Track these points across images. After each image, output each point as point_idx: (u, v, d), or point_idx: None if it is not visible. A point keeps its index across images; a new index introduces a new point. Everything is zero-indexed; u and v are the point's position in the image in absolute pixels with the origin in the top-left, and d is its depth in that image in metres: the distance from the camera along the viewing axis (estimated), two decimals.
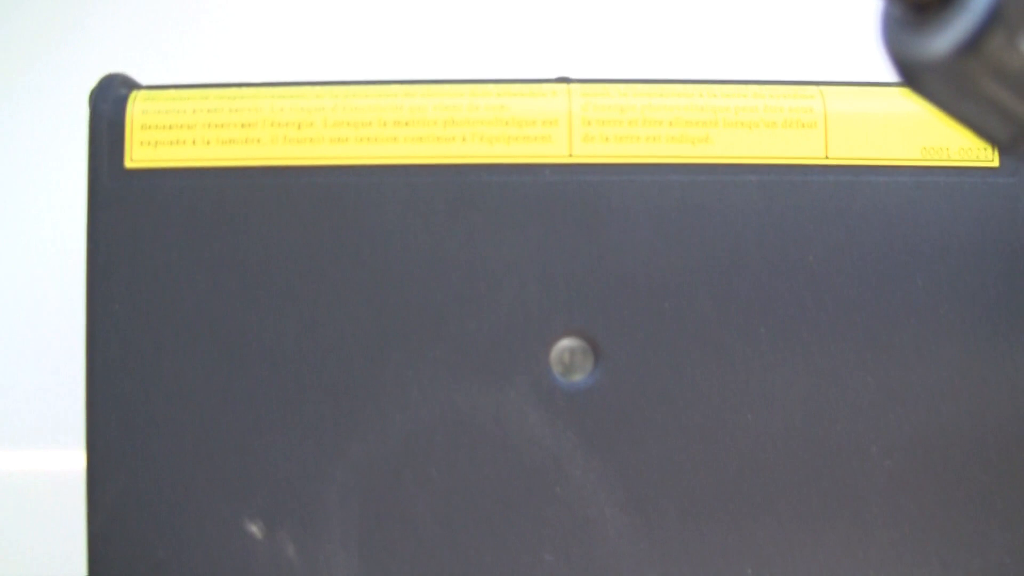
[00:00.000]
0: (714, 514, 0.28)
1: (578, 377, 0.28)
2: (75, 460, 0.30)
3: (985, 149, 0.29)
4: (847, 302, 0.29)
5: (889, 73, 0.19)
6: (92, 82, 0.29)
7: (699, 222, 0.28)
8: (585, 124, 0.28)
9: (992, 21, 0.18)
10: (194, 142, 0.28)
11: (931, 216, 0.29)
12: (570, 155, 0.28)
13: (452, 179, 0.28)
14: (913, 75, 0.19)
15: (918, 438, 0.29)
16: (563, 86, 0.29)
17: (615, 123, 0.28)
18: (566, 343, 0.28)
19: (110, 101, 0.28)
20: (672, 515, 0.28)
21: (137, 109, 0.28)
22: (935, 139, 0.29)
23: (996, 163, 0.29)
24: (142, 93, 0.29)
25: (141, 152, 0.28)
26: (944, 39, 0.18)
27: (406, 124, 0.28)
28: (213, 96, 0.28)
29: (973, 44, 0.18)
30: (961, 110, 0.20)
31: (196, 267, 0.28)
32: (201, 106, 0.28)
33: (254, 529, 0.28)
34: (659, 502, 0.28)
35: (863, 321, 0.29)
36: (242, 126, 0.28)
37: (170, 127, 0.28)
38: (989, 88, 0.19)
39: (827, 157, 0.29)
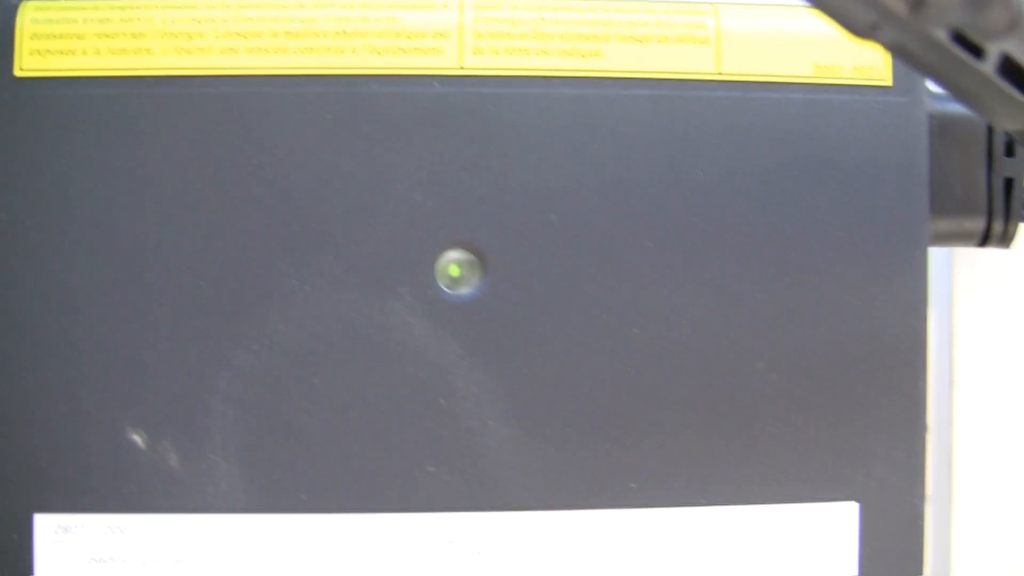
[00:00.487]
0: (598, 427, 0.29)
1: (464, 289, 0.28)
2: None
3: (878, 68, 0.29)
4: (736, 218, 0.29)
5: None
6: None
7: (589, 135, 0.28)
8: (476, 36, 0.29)
9: None
10: (85, 51, 0.28)
11: (822, 134, 0.29)
12: (460, 67, 0.28)
13: (341, 89, 0.28)
14: None
15: (806, 354, 0.29)
16: (454, 0, 0.29)
17: (506, 36, 0.29)
18: (452, 255, 0.28)
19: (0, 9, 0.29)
20: (556, 428, 0.28)
21: (27, 18, 0.28)
22: (828, 57, 0.29)
23: (889, 82, 0.29)
24: (32, 3, 0.29)
25: (31, 61, 0.28)
26: None
27: (297, 35, 0.28)
28: (104, 6, 0.29)
29: None
30: None
31: (85, 175, 0.28)
32: (92, 16, 0.28)
33: (137, 438, 0.28)
34: (543, 415, 0.28)
35: (752, 237, 0.29)
36: (133, 36, 0.28)
37: (61, 36, 0.28)
38: None
39: (719, 73, 0.29)
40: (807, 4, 0.20)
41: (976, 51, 0.20)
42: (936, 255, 0.34)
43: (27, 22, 0.28)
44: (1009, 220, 0.31)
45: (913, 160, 0.29)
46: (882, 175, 0.29)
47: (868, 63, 0.29)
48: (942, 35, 0.20)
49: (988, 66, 0.20)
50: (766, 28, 0.29)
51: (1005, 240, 0.31)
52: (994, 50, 0.20)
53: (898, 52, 0.20)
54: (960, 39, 0.20)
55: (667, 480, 0.29)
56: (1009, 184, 0.31)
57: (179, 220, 0.28)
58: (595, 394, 0.28)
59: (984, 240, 0.31)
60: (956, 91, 0.21)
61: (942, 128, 0.30)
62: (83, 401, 0.28)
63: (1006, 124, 0.22)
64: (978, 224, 0.31)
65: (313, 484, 0.28)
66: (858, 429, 0.29)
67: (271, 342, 0.28)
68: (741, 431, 0.29)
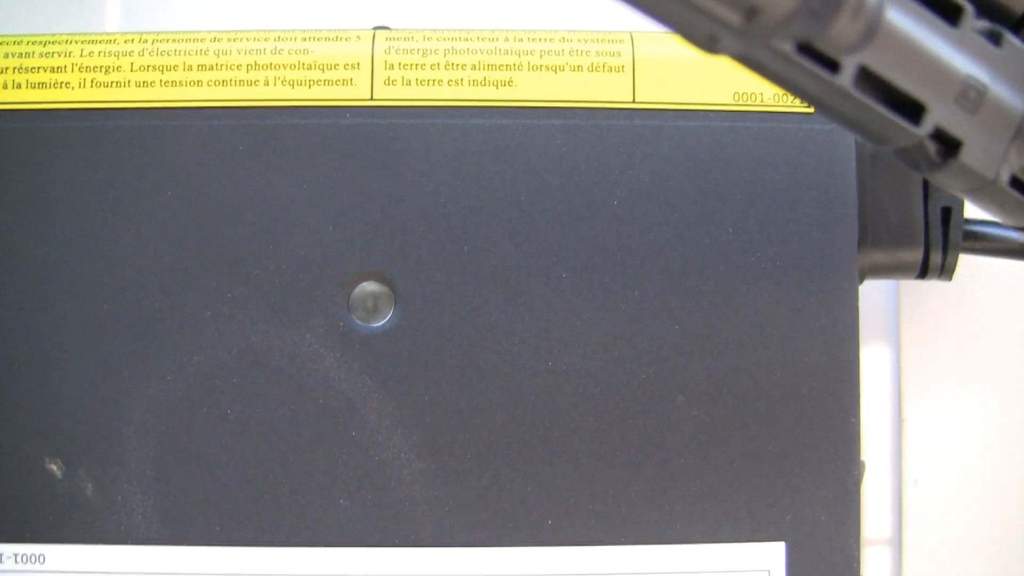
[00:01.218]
0: (514, 463, 0.28)
1: (376, 320, 0.28)
2: None
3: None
4: (653, 248, 0.28)
5: None
6: None
7: (501, 165, 0.28)
8: (387, 67, 0.29)
9: None
10: (5, 85, 0.29)
11: (742, 162, 0.29)
12: (371, 98, 0.29)
13: (253, 121, 0.29)
14: None
15: (726, 388, 0.28)
16: (368, 32, 0.29)
17: (417, 67, 0.29)
18: (366, 286, 0.28)
19: None
20: (470, 462, 0.28)
21: None
22: (748, 85, 0.29)
23: (812, 109, 0.29)
24: None
25: None
26: None
27: (210, 68, 0.29)
28: (26, 40, 0.29)
29: None
30: (652, 5, 0.20)
31: None
32: (13, 50, 0.29)
33: (54, 467, 0.28)
34: (457, 448, 0.28)
35: (670, 268, 0.28)
36: (52, 70, 0.29)
37: None
38: None
39: (634, 101, 0.29)
40: (652, 21, 0.20)
41: (831, 64, 0.20)
42: (881, 288, 0.33)
43: None
44: (947, 251, 0.30)
45: (841, 188, 0.29)
46: (808, 204, 0.29)
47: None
48: (787, 47, 0.19)
49: (845, 79, 0.20)
50: (684, 56, 0.29)
51: (945, 272, 0.30)
52: (850, 63, 0.20)
53: (748, 65, 0.20)
54: (810, 51, 0.20)
55: (585, 517, 0.28)
56: (947, 213, 0.30)
57: (92, 250, 0.28)
58: (510, 428, 0.28)
59: (923, 272, 0.30)
60: (816, 105, 0.21)
61: (874, 156, 0.29)
62: (0, 432, 0.28)
63: (879, 144, 0.22)
64: (916, 256, 0.30)
65: (226, 516, 0.28)
66: (785, 466, 0.28)
67: (184, 372, 0.28)
68: (662, 467, 0.28)
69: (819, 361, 0.29)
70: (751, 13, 0.19)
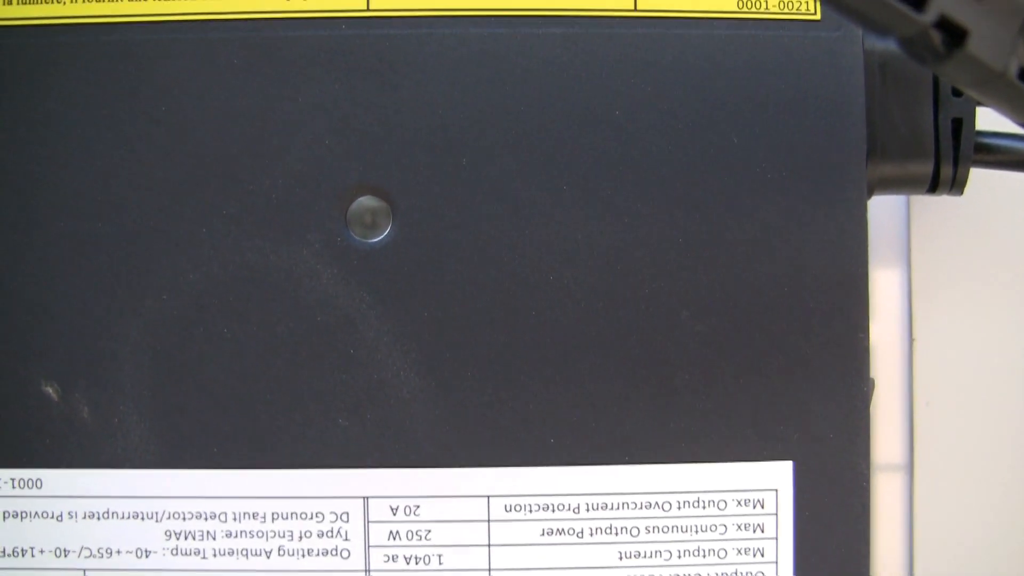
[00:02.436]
0: (514, 381, 0.28)
1: (373, 235, 0.28)
2: None
3: (805, 1, 0.28)
4: (656, 159, 0.28)
5: None
6: None
7: (500, 75, 0.28)
8: None
9: None
10: None
11: (746, 70, 0.28)
12: (367, 8, 0.29)
13: (247, 34, 0.28)
14: None
15: (732, 302, 0.28)
16: None
17: None
18: (363, 201, 0.28)
19: None
20: (470, 380, 0.28)
21: None
22: None
23: (817, 16, 0.29)
24: None
25: None
26: None
27: None
28: None
29: None
30: None
31: None
32: None
33: (50, 391, 0.28)
34: (456, 365, 0.28)
35: (673, 179, 0.28)
36: None
37: None
38: None
39: (636, 9, 0.29)
40: None
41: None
42: (891, 204, 0.33)
43: None
44: (959, 164, 0.30)
45: (848, 98, 0.29)
46: (815, 114, 0.28)
47: None
48: None
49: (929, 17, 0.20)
50: None
51: (956, 186, 0.30)
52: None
53: None
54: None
55: (588, 436, 0.28)
56: (958, 125, 0.30)
57: (85, 168, 0.28)
58: (511, 344, 0.28)
59: (933, 186, 0.30)
60: (875, 28, 0.20)
61: (883, 66, 0.29)
62: None
63: (882, 34, 0.22)
64: (926, 168, 0.30)
65: (223, 438, 0.28)
66: (793, 383, 0.28)
67: (179, 290, 0.28)
68: (666, 385, 0.28)
69: (827, 275, 0.28)
70: None
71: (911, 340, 0.33)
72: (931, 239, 0.33)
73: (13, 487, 0.29)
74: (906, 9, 0.20)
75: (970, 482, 0.33)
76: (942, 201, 0.32)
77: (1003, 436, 0.33)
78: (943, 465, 0.33)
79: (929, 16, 0.20)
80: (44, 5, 0.29)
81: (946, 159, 0.30)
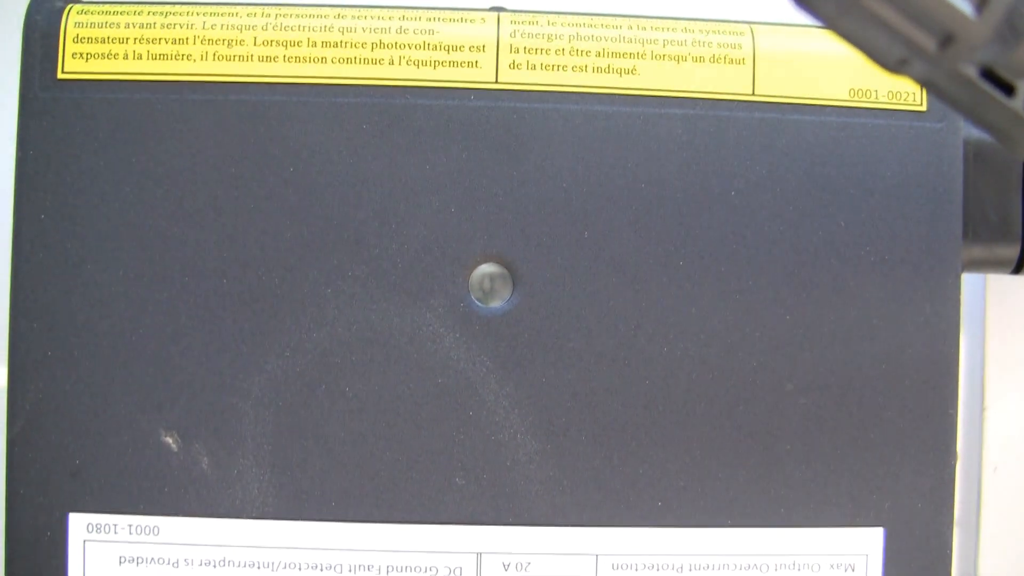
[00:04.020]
0: (626, 445, 0.30)
1: (495, 302, 0.30)
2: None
3: (913, 93, 0.30)
4: (768, 239, 0.30)
5: None
6: None
7: (622, 153, 0.30)
8: (512, 51, 0.30)
9: None
10: (126, 56, 0.30)
11: (856, 157, 0.30)
12: (496, 81, 0.30)
13: (378, 100, 0.30)
14: None
15: (834, 378, 0.30)
16: (492, 13, 0.31)
17: (542, 51, 0.30)
18: (485, 268, 0.30)
19: (44, 13, 0.30)
20: (583, 444, 0.30)
21: (71, 21, 0.30)
22: (863, 81, 0.31)
23: (924, 107, 0.31)
24: (77, 7, 0.30)
25: (73, 64, 0.30)
26: None
27: (335, 45, 0.30)
28: (147, 11, 0.30)
29: None
30: (847, 27, 0.21)
31: (122, 178, 0.30)
32: (135, 20, 0.30)
33: (170, 441, 0.30)
34: (571, 430, 0.30)
35: (783, 258, 0.30)
36: (174, 42, 0.30)
37: (103, 40, 0.30)
38: (873, 5, 0.20)
39: (754, 94, 0.30)
40: (837, 36, 0.21)
41: (1007, 88, 0.21)
42: (969, 279, 0.35)
43: (71, 25, 0.30)
44: None
45: (947, 186, 0.31)
46: (916, 200, 0.30)
47: (903, 88, 0.30)
48: (972, 71, 0.21)
49: (1018, 103, 0.22)
50: (802, 50, 0.31)
51: None
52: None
53: (927, 86, 0.22)
54: (990, 75, 0.21)
55: (693, 500, 0.30)
56: None
57: (215, 225, 0.30)
58: (624, 411, 0.30)
59: (1018, 267, 0.32)
60: (985, 126, 0.23)
61: (977, 154, 0.31)
62: (118, 402, 0.30)
63: None
64: (1012, 251, 0.32)
65: (342, 492, 0.30)
66: (886, 454, 0.30)
67: (303, 349, 0.30)
68: (768, 453, 0.30)
69: (921, 353, 0.30)
70: (947, 40, 0.21)
71: (982, 408, 0.35)
72: (1007, 312, 0.36)
73: (131, 533, 0.30)
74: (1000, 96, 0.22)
75: None
76: (1018, 278, 0.35)
77: None
78: (1008, 526, 0.35)
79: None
80: (174, 62, 0.30)
81: None
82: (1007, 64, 0.21)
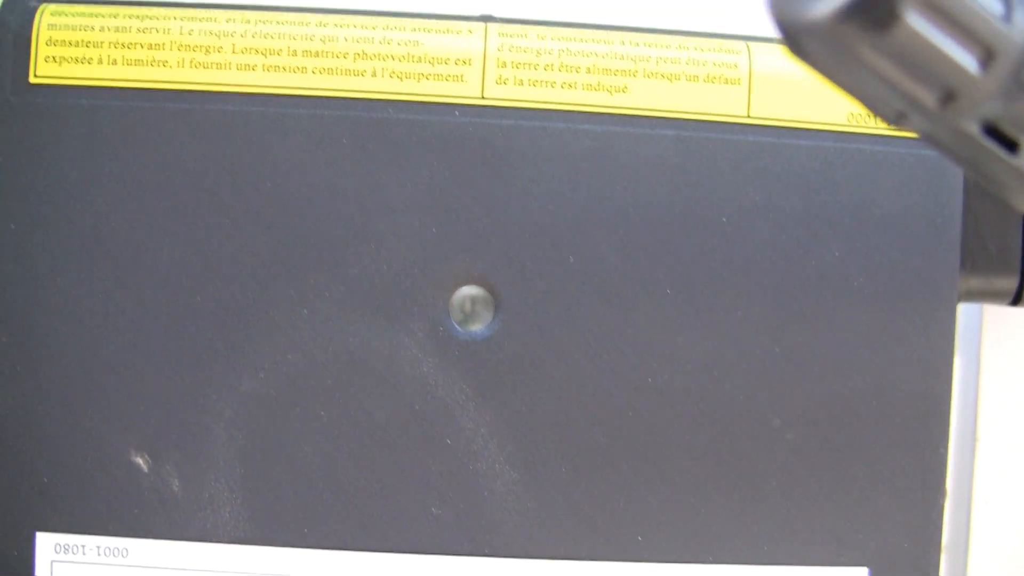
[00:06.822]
0: (607, 477, 0.29)
1: (476, 326, 0.29)
2: None
3: None
4: (759, 267, 0.29)
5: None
6: None
7: (611, 174, 0.29)
8: (499, 66, 0.29)
9: None
10: (100, 60, 0.29)
11: (852, 184, 0.30)
12: (482, 97, 0.29)
13: (359, 113, 0.29)
14: (794, 38, 0.20)
15: (822, 413, 0.30)
16: (480, 24, 0.30)
17: (530, 66, 0.29)
18: (467, 291, 0.29)
19: (17, 13, 0.29)
20: (564, 475, 0.29)
21: (44, 23, 0.29)
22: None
23: None
24: (51, 7, 0.30)
25: (46, 68, 0.29)
26: (825, 1, 0.19)
27: (315, 55, 0.29)
28: (123, 14, 0.29)
29: (854, 9, 0.19)
30: (844, 79, 0.20)
31: (94, 188, 0.29)
32: (110, 24, 0.29)
33: (140, 461, 0.29)
34: (551, 460, 0.29)
35: (773, 287, 0.29)
36: (150, 47, 0.29)
37: (77, 43, 0.29)
38: (871, 59, 0.20)
39: (749, 116, 0.29)
40: (837, 89, 0.20)
41: (1010, 144, 0.21)
42: (965, 310, 0.35)
43: (44, 26, 0.29)
44: None
45: (946, 215, 0.30)
46: (913, 229, 0.30)
47: None
48: (974, 127, 0.20)
49: (1022, 159, 0.21)
50: (800, 72, 0.30)
51: None
52: None
53: (927, 140, 0.21)
54: (993, 131, 0.21)
55: (674, 534, 0.30)
56: None
57: (188, 240, 0.29)
58: (605, 442, 0.29)
59: (1017, 299, 0.32)
60: (987, 181, 0.22)
61: (977, 183, 0.31)
62: (88, 421, 0.29)
63: None
64: (1011, 283, 0.31)
65: (315, 518, 0.29)
66: (873, 491, 0.30)
67: (278, 370, 0.29)
68: (752, 488, 0.30)
69: (912, 388, 0.30)
70: (948, 97, 0.20)
71: (974, 440, 0.35)
72: (1003, 340, 0.35)
73: (99, 554, 0.29)
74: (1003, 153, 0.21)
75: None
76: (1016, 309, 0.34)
77: None
78: (998, 562, 0.35)
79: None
80: (149, 68, 0.29)
81: None
82: (1012, 119, 0.20)
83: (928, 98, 0.20)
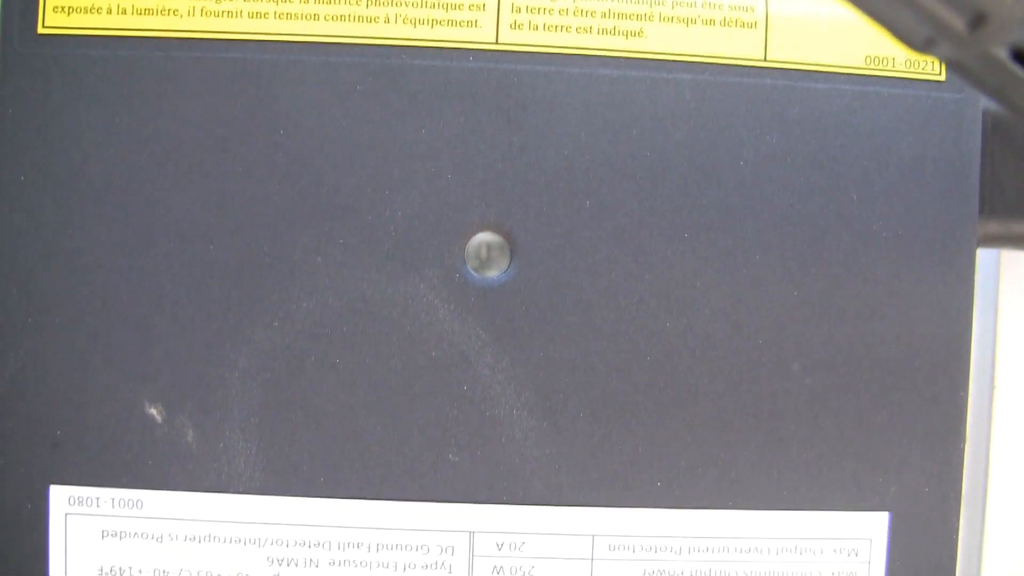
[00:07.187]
0: (625, 423, 0.29)
1: (492, 273, 0.29)
2: None
3: (932, 62, 0.29)
4: (776, 211, 0.29)
5: None
6: None
7: (627, 119, 0.29)
8: (514, 10, 0.29)
9: None
10: (110, 10, 0.29)
11: (870, 127, 0.29)
12: (496, 42, 0.29)
13: (373, 60, 0.29)
14: None
15: (841, 357, 0.29)
16: None
17: (545, 11, 0.29)
18: (483, 237, 0.29)
19: None
20: (581, 421, 0.29)
21: None
22: (880, 48, 0.29)
23: (942, 77, 0.30)
24: None
25: (55, 18, 0.29)
26: None
27: (328, 1, 0.29)
28: None
29: None
30: (872, 5, 0.20)
31: (105, 140, 0.29)
32: None
33: (154, 412, 0.29)
34: (569, 407, 0.29)
35: (792, 232, 0.29)
36: None
37: None
38: None
39: (766, 59, 0.29)
40: (863, 15, 0.20)
41: None
42: (983, 256, 0.34)
43: None
44: None
45: (965, 159, 0.30)
46: (932, 172, 0.29)
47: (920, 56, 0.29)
48: (1002, 52, 0.20)
49: None
50: (817, 15, 0.29)
51: None
52: None
53: (954, 67, 0.21)
54: (1020, 56, 0.20)
55: (694, 480, 0.29)
56: None
57: (201, 189, 0.29)
58: (623, 388, 0.29)
59: None
60: (1015, 109, 0.22)
61: (996, 126, 0.30)
62: (101, 373, 0.29)
63: None
64: None
65: (331, 467, 0.29)
66: (894, 437, 0.30)
67: (292, 319, 0.29)
68: (772, 434, 0.29)
69: (932, 333, 0.30)
70: (978, 20, 0.20)
71: (992, 388, 0.35)
72: (1021, 290, 0.35)
73: (113, 506, 0.29)
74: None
75: None
76: None
77: None
78: (1017, 511, 0.35)
79: None
80: (160, 17, 0.29)
81: None
82: None
83: (957, 22, 0.20)
